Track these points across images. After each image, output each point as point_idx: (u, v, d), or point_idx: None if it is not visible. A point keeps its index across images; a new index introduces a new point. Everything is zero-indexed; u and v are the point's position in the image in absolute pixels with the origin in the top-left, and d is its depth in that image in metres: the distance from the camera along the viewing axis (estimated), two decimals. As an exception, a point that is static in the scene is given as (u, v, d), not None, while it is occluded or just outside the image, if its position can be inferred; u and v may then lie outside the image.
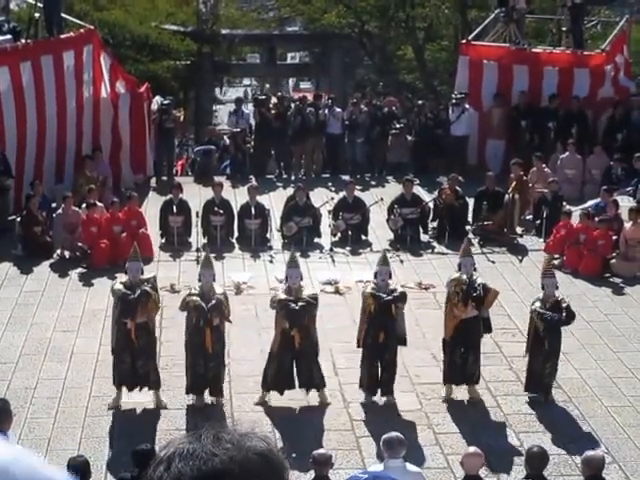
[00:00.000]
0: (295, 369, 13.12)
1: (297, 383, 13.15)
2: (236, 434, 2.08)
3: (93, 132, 23.01)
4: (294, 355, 13.05)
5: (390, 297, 12.99)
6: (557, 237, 18.71)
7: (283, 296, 13.00)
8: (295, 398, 13.25)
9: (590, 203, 20.26)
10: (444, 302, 13.69)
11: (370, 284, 13.44)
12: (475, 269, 13.55)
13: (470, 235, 19.68)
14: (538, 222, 20.11)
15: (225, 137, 26.42)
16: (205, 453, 2.01)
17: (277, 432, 12.26)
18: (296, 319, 12.89)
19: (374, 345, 13.09)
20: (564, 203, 20.01)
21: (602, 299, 17.10)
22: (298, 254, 14.83)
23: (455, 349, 13.26)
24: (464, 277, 13.19)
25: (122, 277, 13.58)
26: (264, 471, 2.03)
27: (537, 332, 13.19)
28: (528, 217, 20.91)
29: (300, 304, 12.88)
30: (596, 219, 18.73)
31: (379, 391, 13.29)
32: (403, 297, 13.16)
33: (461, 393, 13.46)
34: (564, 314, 13.03)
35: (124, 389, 13.09)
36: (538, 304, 13.16)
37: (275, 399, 13.20)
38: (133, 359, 12.97)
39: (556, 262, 17.44)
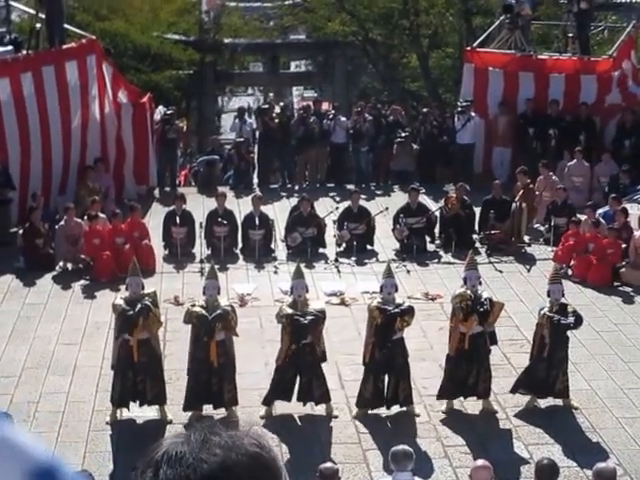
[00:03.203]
0: (298, 383, 12.94)
1: (296, 397, 12.96)
2: (226, 436, 2.01)
3: (96, 143, 22.88)
4: (298, 369, 12.88)
5: (397, 310, 12.79)
6: (565, 246, 18.53)
7: (290, 310, 12.80)
8: (301, 411, 13.10)
9: (599, 211, 20.07)
10: (450, 316, 13.52)
11: (376, 298, 13.27)
12: (480, 282, 13.35)
13: (477, 244, 19.56)
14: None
15: (228, 147, 26.31)
16: (193, 459, 1.96)
17: (284, 445, 12.11)
18: (304, 333, 12.71)
19: (381, 359, 12.88)
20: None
21: (612, 308, 16.92)
22: (303, 265, 14.68)
23: (459, 364, 13.06)
24: (469, 292, 12.99)
25: (124, 292, 13.45)
26: (256, 474, 1.98)
27: (543, 340, 13.03)
28: (536, 225, 20.77)
29: (309, 318, 12.70)
30: (604, 227, 18.56)
31: (385, 404, 13.10)
32: (410, 310, 12.95)
33: (470, 405, 13.29)
34: (572, 318, 12.89)
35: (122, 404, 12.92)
36: (546, 309, 13.03)
37: (280, 411, 13.04)
38: (135, 376, 12.77)
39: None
